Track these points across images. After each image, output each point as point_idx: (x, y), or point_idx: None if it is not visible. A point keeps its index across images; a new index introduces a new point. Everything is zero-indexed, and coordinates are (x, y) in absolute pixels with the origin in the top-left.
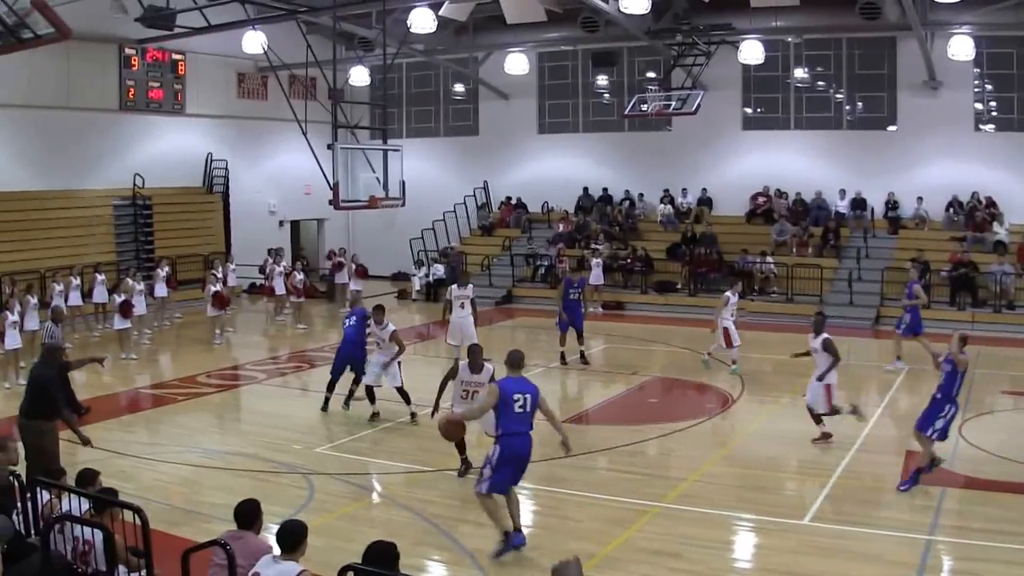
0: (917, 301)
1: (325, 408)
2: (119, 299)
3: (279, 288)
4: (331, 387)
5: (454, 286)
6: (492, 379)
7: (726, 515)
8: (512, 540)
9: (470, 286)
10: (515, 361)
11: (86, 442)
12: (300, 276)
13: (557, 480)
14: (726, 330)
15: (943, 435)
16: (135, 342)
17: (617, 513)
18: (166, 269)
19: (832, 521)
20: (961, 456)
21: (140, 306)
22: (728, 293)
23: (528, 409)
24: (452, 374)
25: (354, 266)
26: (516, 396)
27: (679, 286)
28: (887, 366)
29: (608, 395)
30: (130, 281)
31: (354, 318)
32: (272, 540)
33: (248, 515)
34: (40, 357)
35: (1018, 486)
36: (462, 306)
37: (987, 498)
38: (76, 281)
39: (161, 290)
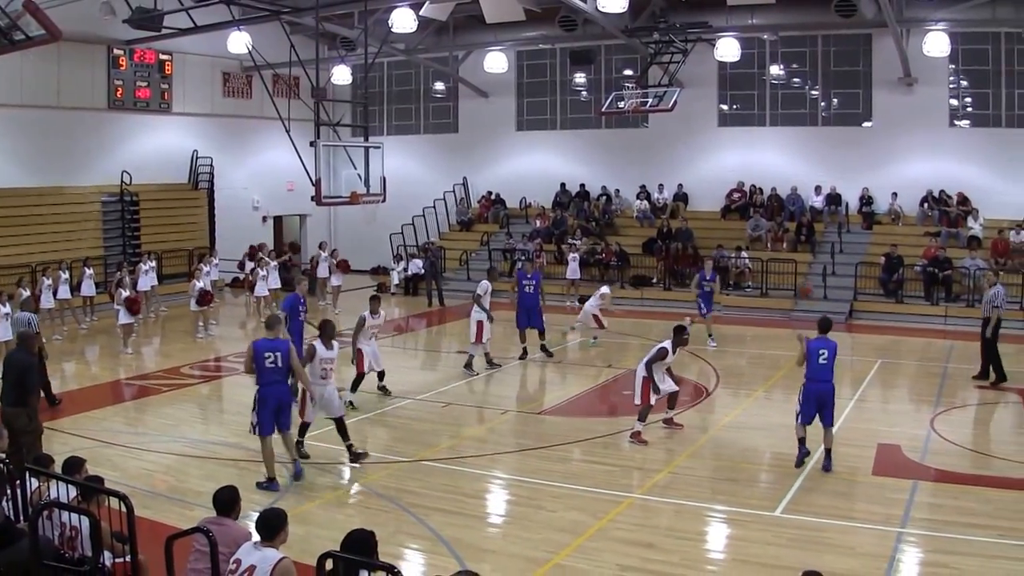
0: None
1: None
2: (124, 294)
3: (260, 290)
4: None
5: (485, 282)
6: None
7: (700, 506)
8: (295, 470)
9: None
10: (269, 323)
11: (39, 431)
12: (263, 272)
13: (532, 471)
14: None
15: (804, 418)
16: (129, 337)
17: (592, 504)
18: (150, 263)
19: (804, 513)
20: (933, 449)
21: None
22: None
23: (279, 364)
24: None
25: (334, 261)
26: (267, 353)
27: (655, 280)
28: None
29: (584, 387)
30: (127, 277)
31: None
32: (251, 527)
33: (228, 502)
34: (16, 344)
35: (989, 479)
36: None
37: (959, 491)
38: (65, 275)
39: (144, 284)
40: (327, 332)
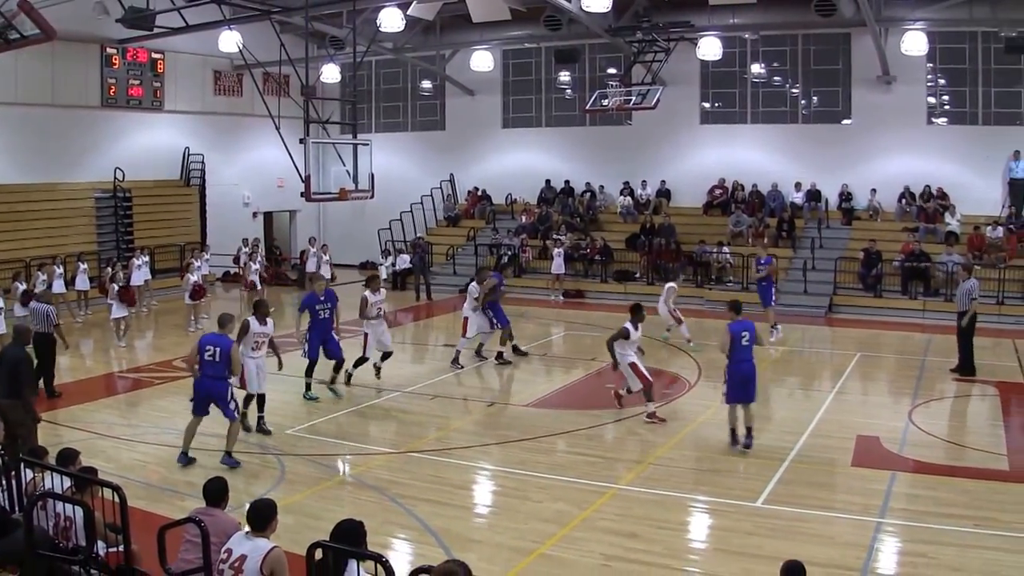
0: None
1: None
2: (116, 288)
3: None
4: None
5: (474, 285)
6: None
7: (682, 497)
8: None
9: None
10: (221, 321)
11: (36, 420)
12: (255, 266)
13: (518, 462)
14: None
15: (732, 398)
16: (123, 330)
17: (576, 494)
18: (143, 259)
19: (785, 504)
20: (911, 441)
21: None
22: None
23: (217, 359)
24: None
25: (324, 256)
26: (208, 347)
27: (638, 275)
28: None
29: (568, 380)
30: (120, 272)
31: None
32: (240, 518)
33: (217, 493)
34: (12, 338)
35: (966, 470)
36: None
37: (936, 482)
38: (59, 270)
39: (138, 279)
40: (260, 309)
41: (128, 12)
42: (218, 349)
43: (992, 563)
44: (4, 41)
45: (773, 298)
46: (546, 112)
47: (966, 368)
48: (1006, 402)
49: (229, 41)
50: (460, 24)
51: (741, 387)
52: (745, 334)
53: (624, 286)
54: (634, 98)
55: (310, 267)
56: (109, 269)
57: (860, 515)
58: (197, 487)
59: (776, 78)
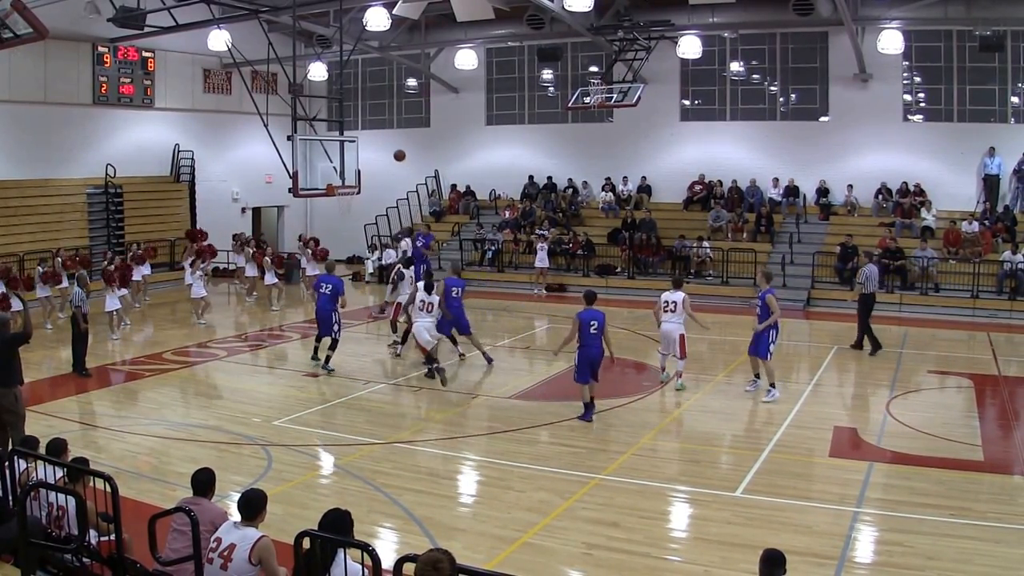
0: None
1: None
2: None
3: (251, 271)
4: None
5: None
6: None
7: (663, 487)
8: None
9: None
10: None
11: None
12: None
13: (502, 453)
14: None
15: (582, 378)
16: (116, 324)
17: (559, 484)
18: (136, 252)
19: (764, 493)
20: (888, 432)
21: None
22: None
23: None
24: None
25: (309, 251)
26: (591, 321)
27: (619, 269)
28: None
29: (551, 372)
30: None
31: (329, 286)
32: (226, 507)
33: (206, 483)
34: None
35: (941, 461)
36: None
37: (912, 472)
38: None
39: (137, 274)
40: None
41: (119, 11)
42: (596, 322)
43: (966, 552)
44: None
45: (770, 351)
46: (529, 109)
47: (859, 343)
48: (980, 394)
49: (218, 40)
50: (445, 23)
51: (589, 369)
52: (594, 322)
53: (606, 280)
54: (615, 95)
55: (302, 262)
56: (110, 266)
57: (837, 505)
58: (186, 477)
59: (755, 76)
